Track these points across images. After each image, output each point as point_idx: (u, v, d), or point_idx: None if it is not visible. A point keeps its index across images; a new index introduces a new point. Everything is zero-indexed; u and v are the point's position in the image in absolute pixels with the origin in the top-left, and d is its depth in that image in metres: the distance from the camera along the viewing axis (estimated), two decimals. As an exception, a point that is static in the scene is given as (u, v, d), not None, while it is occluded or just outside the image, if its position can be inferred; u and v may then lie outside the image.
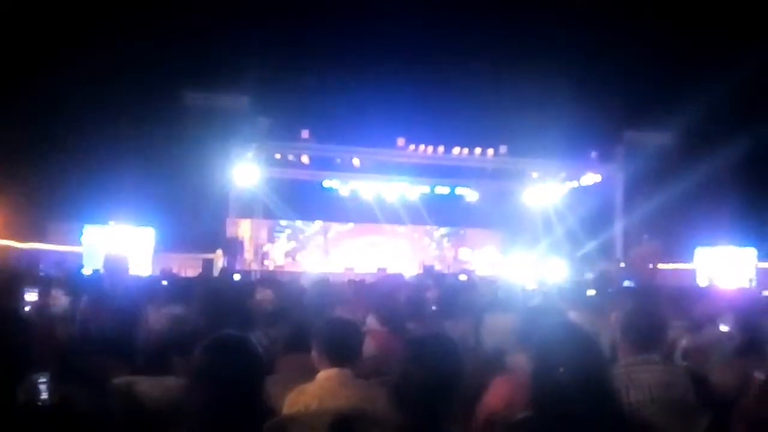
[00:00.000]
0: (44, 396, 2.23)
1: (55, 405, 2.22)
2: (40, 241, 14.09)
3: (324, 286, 6.14)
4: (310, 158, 18.03)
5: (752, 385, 3.05)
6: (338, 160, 18.41)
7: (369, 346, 4.27)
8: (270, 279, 9.28)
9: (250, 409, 2.25)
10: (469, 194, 20.09)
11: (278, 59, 15.97)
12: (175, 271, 13.09)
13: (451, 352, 2.42)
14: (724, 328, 4.55)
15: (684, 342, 4.44)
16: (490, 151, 18.19)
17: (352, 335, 3.28)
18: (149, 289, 6.03)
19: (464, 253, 20.57)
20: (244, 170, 16.86)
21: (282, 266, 18.45)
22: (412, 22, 16.43)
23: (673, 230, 15.91)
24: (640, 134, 18.30)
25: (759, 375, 3.00)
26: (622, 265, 14.91)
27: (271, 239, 19.50)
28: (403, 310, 4.87)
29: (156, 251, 14.86)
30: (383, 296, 5.26)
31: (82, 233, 14.38)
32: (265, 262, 18.48)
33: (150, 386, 2.92)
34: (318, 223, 19.85)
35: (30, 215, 14.52)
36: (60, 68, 14.09)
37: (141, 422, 2.73)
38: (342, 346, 3.15)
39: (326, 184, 19.10)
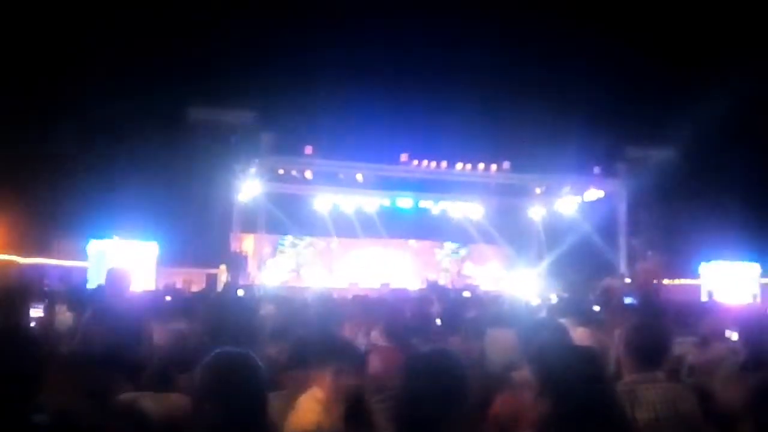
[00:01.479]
0: (46, 413, 2.22)
1: (57, 422, 2.22)
2: (44, 256, 14.11)
3: (327, 301, 6.14)
4: (314, 173, 18.06)
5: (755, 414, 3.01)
6: (341, 176, 18.44)
7: (374, 362, 4.25)
8: (273, 294, 9.27)
9: (253, 425, 2.24)
10: (473, 210, 20.10)
11: (282, 75, 16.07)
12: (178, 285, 13.09)
13: (452, 368, 2.41)
14: (734, 336, 4.53)
15: (690, 358, 4.42)
16: (494, 167, 18.20)
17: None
18: (153, 305, 6.02)
19: (468, 268, 20.53)
20: (248, 185, 16.89)
21: (286, 281, 18.41)
22: (417, 39, 16.54)
23: (677, 246, 15.89)
24: (642, 150, 18.31)
25: None
26: (627, 280, 14.88)
27: (275, 254, 19.49)
28: (409, 325, 4.85)
29: (160, 266, 14.86)
30: (389, 312, 5.24)
31: (87, 248, 14.39)
32: (269, 277, 18.44)
33: (153, 402, 2.91)
34: (321, 238, 19.85)
35: (35, 230, 14.56)
36: (65, 85, 14.19)
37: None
38: None
39: (330, 199, 19.12)
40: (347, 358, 2.94)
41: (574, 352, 2.35)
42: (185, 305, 6.00)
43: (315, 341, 3.24)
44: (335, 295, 7.85)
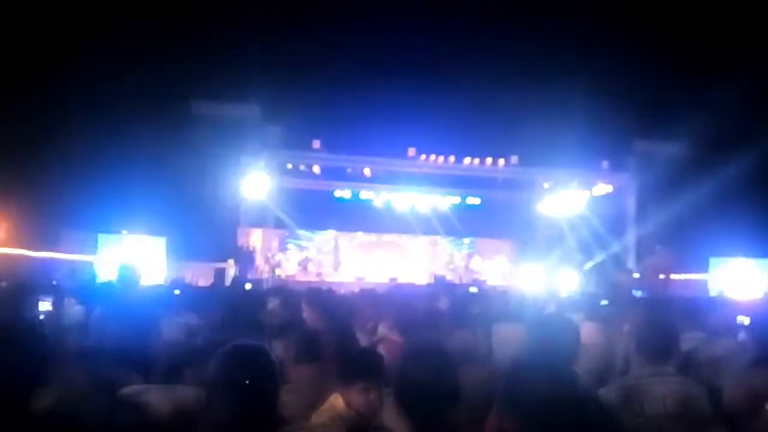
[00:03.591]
0: (52, 404, 2.23)
1: (63, 413, 2.23)
2: (53, 250, 14.17)
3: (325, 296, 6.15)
4: (322, 168, 18.10)
5: (764, 410, 3.00)
6: (349, 170, 18.46)
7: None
8: (281, 289, 9.27)
9: (265, 418, 2.25)
10: (481, 204, 20.07)
11: (289, 68, 16.04)
12: (187, 280, 13.13)
13: (440, 362, 2.41)
14: (742, 332, 4.51)
15: (697, 353, 4.40)
16: (502, 161, 18.17)
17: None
18: (162, 299, 6.05)
19: (475, 263, 20.51)
20: (256, 180, 16.90)
21: (293, 276, 18.45)
22: (424, 33, 16.48)
23: (686, 241, 15.81)
24: (651, 144, 18.24)
25: None
26: (635, 275, 14.83)
27: (283, 249, 19.52)
28: (421, 320, 4.86)
29: (168, 260, 14.91)
30: (400, 306, 5.26)
31: (97, 243, 14.45)
32: (277, 272, 18.49)
33: (159, 396, 2.91)
34: (329, 233, 19.87)
35: (43, 225, 14.62)
36: (72, 79, 14.21)
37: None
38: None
39: (337, 193, 19.14)
40: (376, 376, 2.92)
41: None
42: (194, 299, 6.01)
43: (345, 357, 3.22)
44: (342, 290, 7.86)
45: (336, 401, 2.92)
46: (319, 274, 18.75)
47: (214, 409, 2.25)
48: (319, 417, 2.89)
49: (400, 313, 4.88)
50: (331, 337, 3.86)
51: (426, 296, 7.34)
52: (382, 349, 4.31)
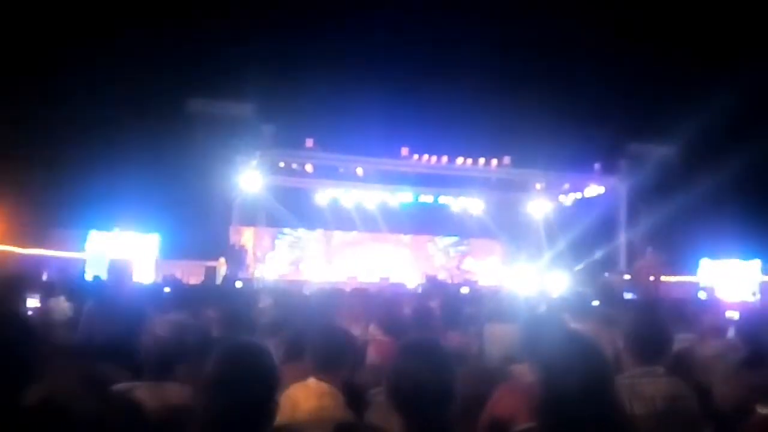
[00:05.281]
0: (39, 399, 2.22)
1: (50, 408, 2.22)
2: (43, 247, 14.10)
3: (326, 296, 6.15)
4: (314, 167, 18.06)
5: (755, 414, 3.00)
6: (342, 169, 18.44)
7: (371, 355, 4.27)
8: (272, 287, 9.26)
9: (261, 416, 2.25)
10: (473, 205, 20.10)
11: (283, 67, 16.02)
12: (178, 277, 13.09)
13: (436, 359, 2.41)
14: (732, 333, 4.52)
15: (688, 354, 4.42)
16: (494, 162, 18.19)
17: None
18: (153, 296, 6.03)
19: (468, 263, 20.54)
20: (248, 178, 16.86)
21: (285, 275, 18.42)
22: (418, 33, 16.49)
23: (677, 242, 15.88)
24: (643, 146, 18.30)
25: (761, 409, 2.95)
26: (626, 276, 14.88)
27: (274, 247, 19.49)
28: (408, 320, 4.85)
29: (159, 258, 14.86)
30: (387, 306, 5.25)
31: (86, 239, 14.38)
32: (268, 271, 18.45)
33: (149, 393, 2.90)
34: (321, 232, 19.85)
35: (34, 221, 14.55)
36: (65, 75, 14.15)
37: (139, 429, 2.71)
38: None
39: (330, 192, 19.12)
40: (351, 356, 2.95)
41: (576, 345, 2.34)
42: (185, 297, 6.00)
43: (323, 348, 3.25)
44: (334, 289, 7.85)
45: (321, 398, 2.92)
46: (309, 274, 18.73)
47: (210, 406, 2.24)
48: (306, 415, 2.89)
49: (385, 313, 4.88)
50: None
51: (414, 295, 7.34)
52: (372, 350, 4.32)
